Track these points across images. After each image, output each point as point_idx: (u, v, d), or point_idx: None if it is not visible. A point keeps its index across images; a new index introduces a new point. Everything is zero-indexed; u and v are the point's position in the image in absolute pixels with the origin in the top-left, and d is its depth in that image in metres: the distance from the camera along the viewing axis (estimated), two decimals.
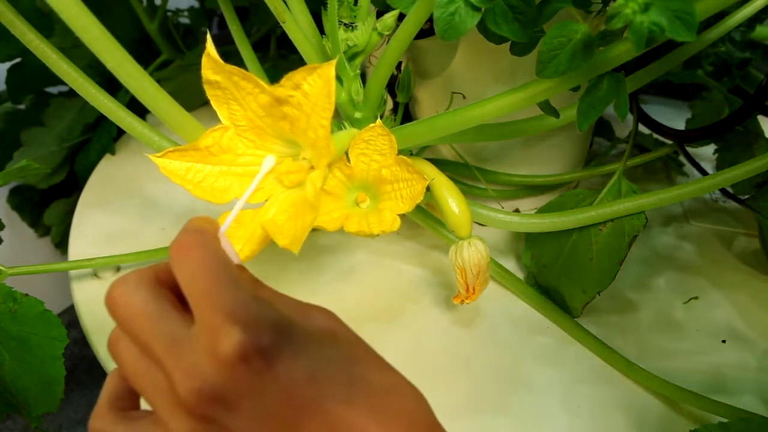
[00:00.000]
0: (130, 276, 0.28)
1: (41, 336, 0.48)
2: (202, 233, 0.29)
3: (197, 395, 0.25)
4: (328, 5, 0.43)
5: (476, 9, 0.36)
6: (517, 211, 0.64)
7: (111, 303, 0.28)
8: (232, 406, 0.25)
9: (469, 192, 0.61)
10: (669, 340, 0.52)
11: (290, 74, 0.33)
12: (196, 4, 0.95)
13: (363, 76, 0.48)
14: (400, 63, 0.55)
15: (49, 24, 0.68)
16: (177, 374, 0.25)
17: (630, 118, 0.57)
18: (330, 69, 0.32)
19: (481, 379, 0.49)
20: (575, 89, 0.43)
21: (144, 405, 0.29)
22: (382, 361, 0.29)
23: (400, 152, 0.44)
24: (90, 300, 0.55)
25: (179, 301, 0.28)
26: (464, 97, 0.54)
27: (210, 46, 0.34)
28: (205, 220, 0.31)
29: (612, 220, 0.50)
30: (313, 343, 0.27)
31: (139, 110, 0.50)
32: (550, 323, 0.53)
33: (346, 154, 0.44)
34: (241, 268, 0.31)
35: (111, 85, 0.51)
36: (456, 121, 0.44)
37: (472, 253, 0.47)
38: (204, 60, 0.35)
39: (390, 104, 0.56)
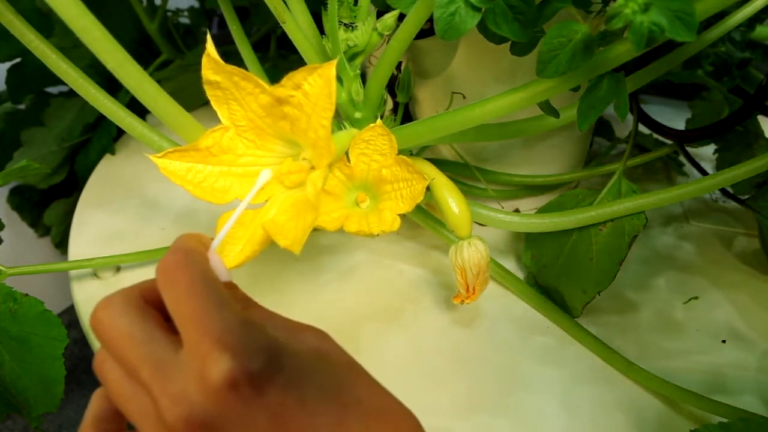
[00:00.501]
0: (116, 297, 0.27)
1: (41, 336, 0.48)
2: (188, 254, 0.28)
3: (184, 422, 0.24)
4: (328, 5, 0.43)
5: (476, 9, 0.36)
6: (517, 211, 0.64)
7: (96, 325, 0.27)
8: None
9: (469, 192, 0.61)
10: (669, 340, 0.52)
11: (291, 74, 0.33)
12: (196, 4, 0.95)
13: (363, 76, 0.48)
14: (400, 63, 0.55)
15: (48, 24, 0.68)
16: (164, 400, 0.25)
17: (630, 118, 0.57)
18: (331, 69, 0.32)
19: (480, 379, 0.49)
20: (575, 89, 0.43)
21: None
22: (374, 382, 0.28)
23: (400, 152, 0.44)
24: (90, 300, 0.55)
25: (167, 320, 0.27)
26: (464, 97, 0.54)
27: (210, 47, 0.34)
28: (193, 237, 0.30)
29: (612, 220, 0.50)
30: (303, 367, 0.26)
31: (139, 110, 0.50)
32: (550, 323, 0.53)
33: (346, 154, 0.44)
34: (231, 285, 0.31)
35: (111, 85, 0.51)
36: (456, 121, 0.44)
37: (472, 253, 0.47)
38: (204, 60, 0.35)
39: (390, 104, 0.56)
